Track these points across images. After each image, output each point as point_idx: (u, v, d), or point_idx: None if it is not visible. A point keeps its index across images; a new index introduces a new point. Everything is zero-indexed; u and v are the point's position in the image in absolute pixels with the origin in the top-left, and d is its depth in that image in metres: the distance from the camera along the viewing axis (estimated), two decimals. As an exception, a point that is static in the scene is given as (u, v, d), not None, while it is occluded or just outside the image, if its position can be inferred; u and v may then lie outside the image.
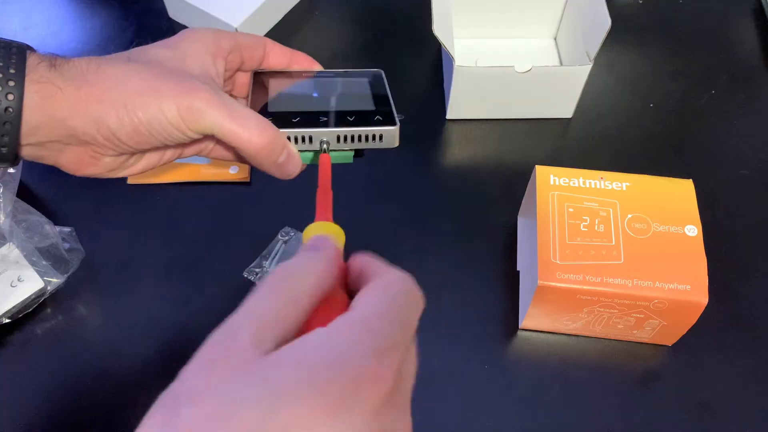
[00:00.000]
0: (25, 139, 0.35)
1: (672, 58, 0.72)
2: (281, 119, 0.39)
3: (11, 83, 0.33)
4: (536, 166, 0.53)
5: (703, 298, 0.47)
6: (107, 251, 0.58)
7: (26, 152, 0.36)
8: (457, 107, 0.65)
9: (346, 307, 0.25)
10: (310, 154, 0.40)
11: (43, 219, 0.54)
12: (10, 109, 0.33)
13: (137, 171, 0.40)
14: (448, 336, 0.54)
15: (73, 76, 0.35)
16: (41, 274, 0.53)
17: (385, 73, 0.44)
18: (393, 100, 0.41)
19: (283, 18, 0.74)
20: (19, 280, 0.53)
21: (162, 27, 0.73)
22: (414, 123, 0.67)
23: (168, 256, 0.58)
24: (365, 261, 0.29)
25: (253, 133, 0.36)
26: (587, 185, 0.51)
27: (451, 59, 0.60)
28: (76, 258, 0.55)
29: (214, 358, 0.22)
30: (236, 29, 0.67)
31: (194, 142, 0.39)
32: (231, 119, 0.35)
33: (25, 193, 0.59)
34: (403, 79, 0.70)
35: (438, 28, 0.59)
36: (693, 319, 0.48)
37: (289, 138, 0.38)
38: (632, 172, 0.52)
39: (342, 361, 0.22)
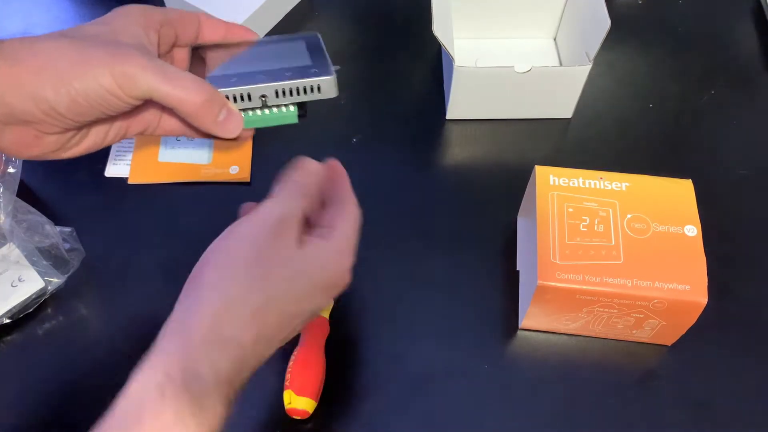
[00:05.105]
0: None
1: (672, 58, 0.72)
2: (220, 81, 0.40)
3: None
4: (536, 166, 0.53)
5: (702, 298, 0.47)
6: (107, 251, 0.58)
7: None
8: (457, 107, 0.65)
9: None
10: (253, 118, 0.41)
11: (44, 219, 0.54)
12: None
13: (81, 151, 0.40)
14: (448, 336, 0.54)
15: (6, 56, 0.35)
16: (42, 274, 0.53)
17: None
18: (330, 56, 0.42)
19: (283, 18, 0.74)
20: (19, 280, 0.53)
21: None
22: (414, 123, 0.67)
23: (168, 256, 0.58)
24: (338, 180, 0.41)
25: (189, 92, 0.37)
26: (587, 185, 0.51)
27: (451, 59, 0.60)
28: (76, 258, 0.55)
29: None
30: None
31: (137, 114, 0.41)
32: (166, 81, 0.36)
33: (25, 193, 0.59)
34: (403, 79, 0.70)
35: (438, 29, 0.59)
36: (692, 319, 0.49)
37: (228, 97, 0.39)
38: (632, 172, 0.52)
39: (339, 269, 0.37)
